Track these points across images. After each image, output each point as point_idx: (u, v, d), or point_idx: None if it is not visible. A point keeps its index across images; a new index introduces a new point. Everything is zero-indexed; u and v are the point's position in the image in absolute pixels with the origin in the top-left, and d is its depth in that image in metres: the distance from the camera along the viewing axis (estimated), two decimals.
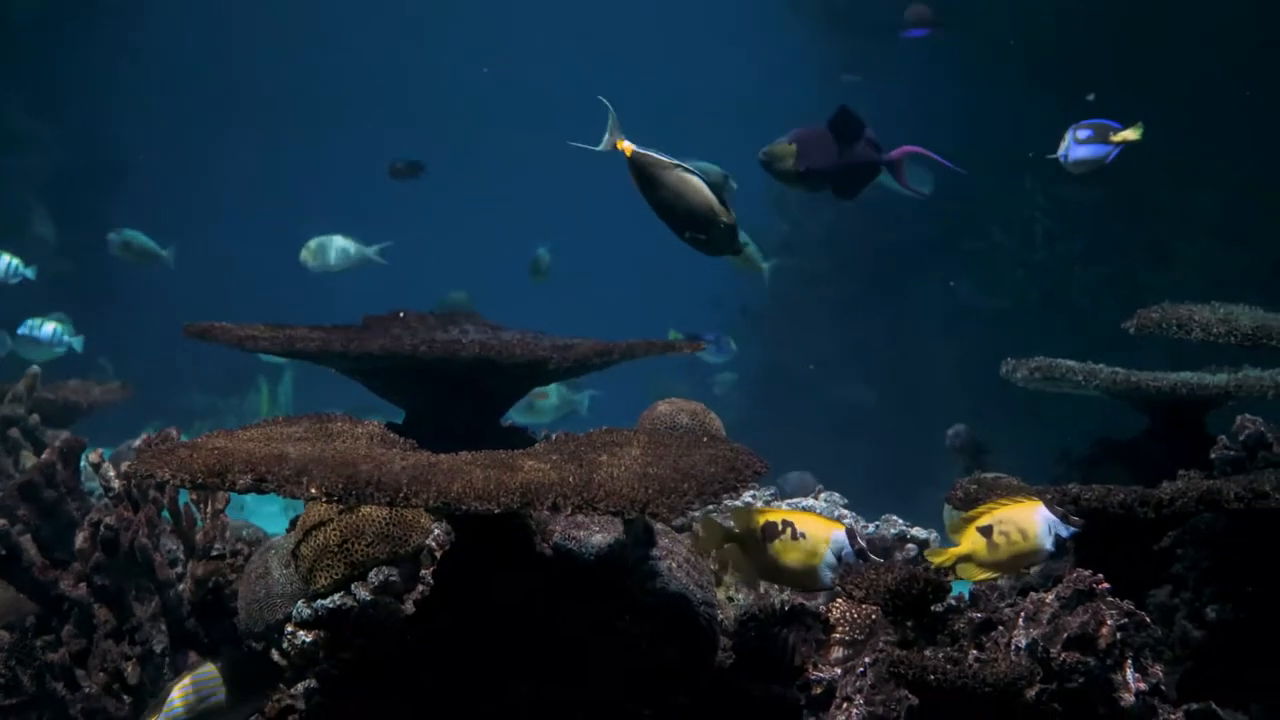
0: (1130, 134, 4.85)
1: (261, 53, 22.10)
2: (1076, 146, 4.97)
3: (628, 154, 3.50)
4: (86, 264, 15.37)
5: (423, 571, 3.49)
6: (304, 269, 8.76)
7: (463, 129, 22.22)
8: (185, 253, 9.57)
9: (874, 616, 3.26)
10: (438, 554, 3.47)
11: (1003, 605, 3.06)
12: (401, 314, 4.75)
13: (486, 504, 2.56)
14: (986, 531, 3.06)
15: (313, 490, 2.60)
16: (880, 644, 3.11)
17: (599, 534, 3.36)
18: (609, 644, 3.12)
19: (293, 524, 4.06)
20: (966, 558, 3.09)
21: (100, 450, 4.41)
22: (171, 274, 9.40)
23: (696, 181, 3.52)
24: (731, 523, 3.23)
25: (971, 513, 3.11)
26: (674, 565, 3.32)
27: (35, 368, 6.06)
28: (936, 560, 3.11)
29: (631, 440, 3.11)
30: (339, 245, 8.70)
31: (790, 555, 3.12)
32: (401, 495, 2.57)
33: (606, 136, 3.49)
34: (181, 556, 4.18)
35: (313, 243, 8.73)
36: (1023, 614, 2.96)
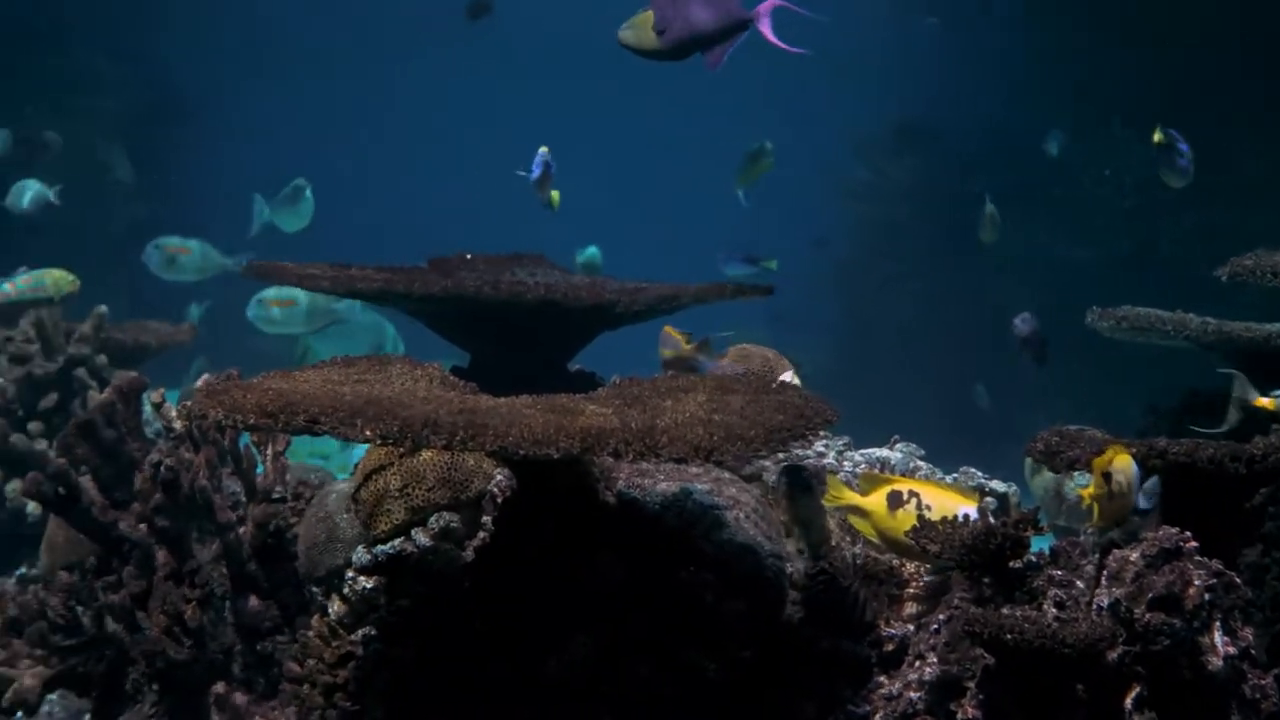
0: None
1: None
2: None
3: None
4: (161, 207, 15.46)
5: (484, 518, 3.41)
6: (378, 213, 8.72)
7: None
8: (256, 195, 9.54)
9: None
10: (499, 500, 3.39)
11: (1084, 563, 2.94)
12: (468, 256, 4.67)
13: (544, 449, 2.47)
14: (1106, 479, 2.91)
15: (367, 433, 2.52)
16: (955, 601, 3.00)
17: (664, 482, 3.27)
18: (673, 595, 3.03)
19: (356, 468, 4.00)
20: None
21: (162, 390, 4.37)
22: (242, 219, 9.40)
23: None
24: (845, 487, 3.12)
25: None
26: (742, 516, 3.22)
27: (102, 307, 6.05)
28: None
29: (697, 386, 3.01)
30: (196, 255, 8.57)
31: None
32: (458, 439, 2.48)
33: None
34: (243, 499, 4.14)
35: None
36: (1105, 572, 2.84)
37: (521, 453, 2.47)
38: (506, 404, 2.77)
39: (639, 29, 4.40)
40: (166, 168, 16.38)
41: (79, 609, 3.95)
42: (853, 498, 3.06)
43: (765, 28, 4.35)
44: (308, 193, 9.49)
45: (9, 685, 3.94)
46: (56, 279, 6.90)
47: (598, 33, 4.75)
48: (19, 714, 4.00)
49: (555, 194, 4.82)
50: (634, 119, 22.27)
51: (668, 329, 4.21)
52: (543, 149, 4.86)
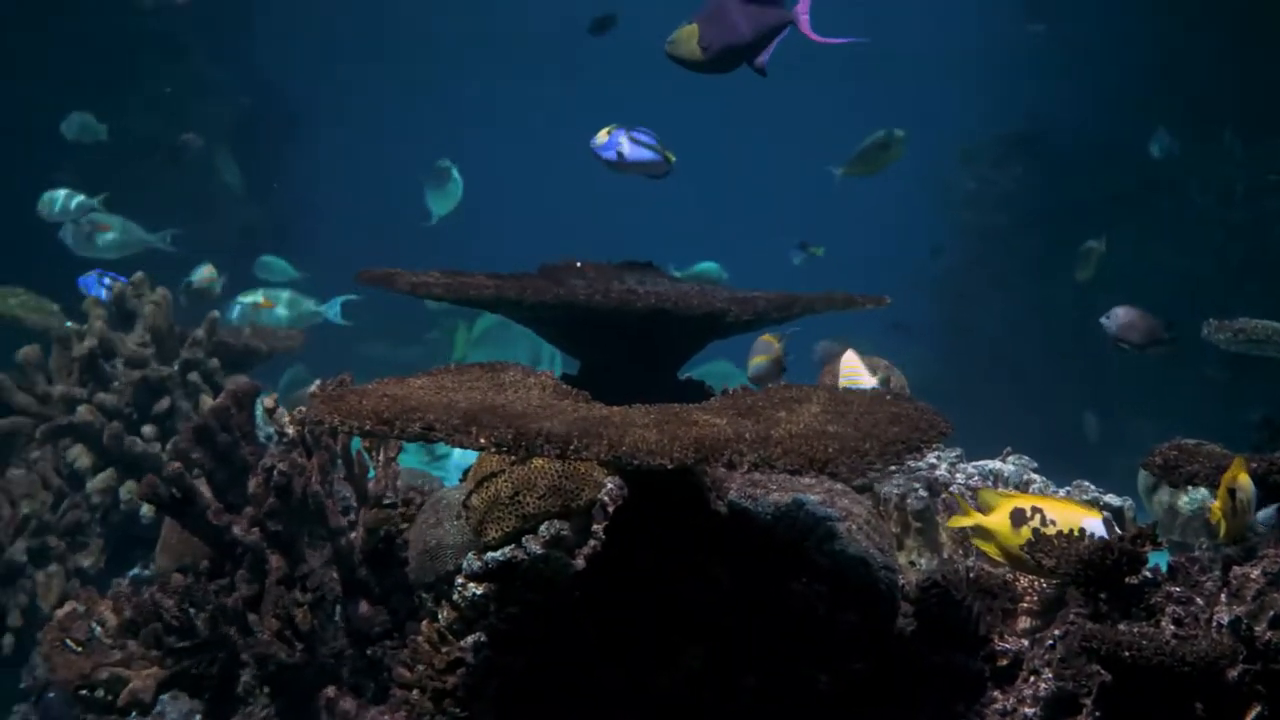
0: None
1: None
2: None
3: None
4: (268, 211, 15.67)
5: (595, 527, 3.42)
6: (476, 217, 8.71)
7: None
8: (359, 200, 9.66)
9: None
10: (610, 509, 3.40)
11: (1203, 579, 2.89)
12: (578, 263, 4.67)
13: (659, 459, 2.46)
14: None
15: (481, 440, 2.52)
16: (1071, 616, 2.96)
17: (776, 492, 3.25)
18: (785, 606, 3.01)
19: (464, 474, 4.02)
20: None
21: (275, 395, 4.42)
22: (346, 222, 9.50)
23: None
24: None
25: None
26: (854, 527, 3.20)
27: (215, 312, 6.14)
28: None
29: (811, 397, 2.99)
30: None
31: None
32: (572, 448, 2.48)
33: None
34: (353, 504, 4.17)
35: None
36: (1225, 589, 2.79)
37: (635, 462, 2.46)
38: (620, 413, 2.76)
39: (683, 43, 4.43)
40: (274, 172, 16.61)
41: (192, 611, 3.99)
42: (978, 518, 3.02)
43: (805, 27, 4.38)
44: (454, 173, 9.54)
45: (124, 685, 3.99)
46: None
47: None
48: (133, 714, 4.06)
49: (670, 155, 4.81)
50: (745, 131, 22.30)
51: (765, 336, 4.20)
52: (601, 135, 4.84)
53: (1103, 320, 5.59)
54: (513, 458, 3.42)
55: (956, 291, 12.53)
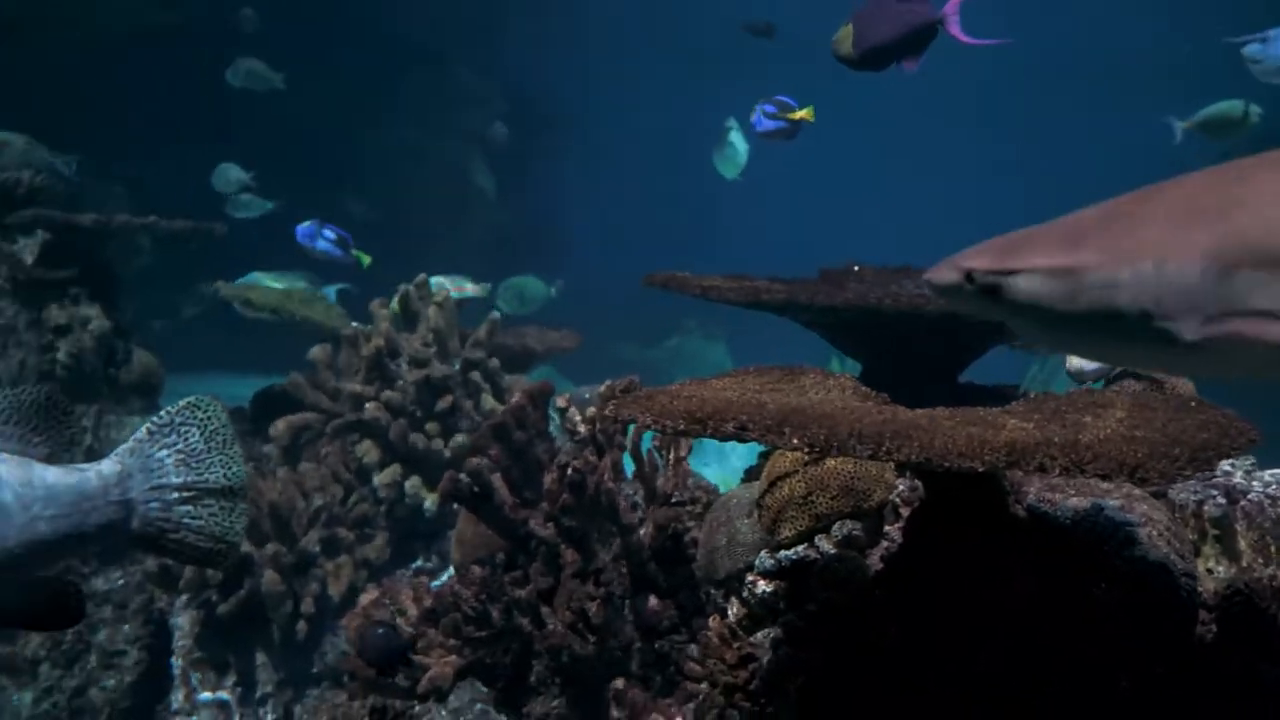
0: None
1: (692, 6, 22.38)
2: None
3: None
4: (518, 215, 15.99)
5: (886, 527, 3.46)
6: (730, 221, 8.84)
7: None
8: (606, 203, 9.84)
9: None
10: (902, 510, 3.43)
11: None
12: (856, 267, 4.71)
13: (970, 462, 2.49)
14: None
15: (794, 440, 2.58)
16: None
17: (1075, 497, 3.25)
18: (1084, 611, 3.01)
19: (747, 474, 4.09)
20: None
21: (567, 395, 4.55)
22: (599, 225, 9.70)
23: None
24: None
25: None
26: (1154, 533, 3.18)
27: (496, 314, 6.32)
28: None
29: (1114, 402, 2.98)
30: None
31: None
32: (884, 449, 2.53)
33: None
34: (640, 502, 4.28)
35: None
36: None
37: (946, 464, 2.49)
38: (925, 415, 2.79)
39: (841, 43, 4.49)
40: (525, 176, 16.94)
41: (489, 602, 4.14)
42: None
43: (955, 27, 4.36)
44: (731, 135, 9.64)
45: (423, 672, 4.16)
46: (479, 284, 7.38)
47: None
48: (430, 699, 4.23)
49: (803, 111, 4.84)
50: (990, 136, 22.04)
51: None
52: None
53: None
54: (805, 459, 3.47)
55: None
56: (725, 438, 2.69)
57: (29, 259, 7.87)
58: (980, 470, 2.51)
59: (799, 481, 3.47)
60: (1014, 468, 2.53)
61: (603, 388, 4.27)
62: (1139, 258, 2.36)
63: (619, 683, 4.02)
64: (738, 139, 9.75)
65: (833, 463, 3.47)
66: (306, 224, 8.95)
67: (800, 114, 5.78)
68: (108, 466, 3.29)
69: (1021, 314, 2.56)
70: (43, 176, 8.28)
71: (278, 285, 9.13)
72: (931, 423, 2.66)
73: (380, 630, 3.95)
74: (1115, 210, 2.48)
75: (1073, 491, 3.26)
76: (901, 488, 3.50)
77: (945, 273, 2.60)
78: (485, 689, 4.48)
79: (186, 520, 3.33)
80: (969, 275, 2.55)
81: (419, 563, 6.17)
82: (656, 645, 4.10)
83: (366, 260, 8.97)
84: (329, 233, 8.90)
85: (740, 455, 11.40)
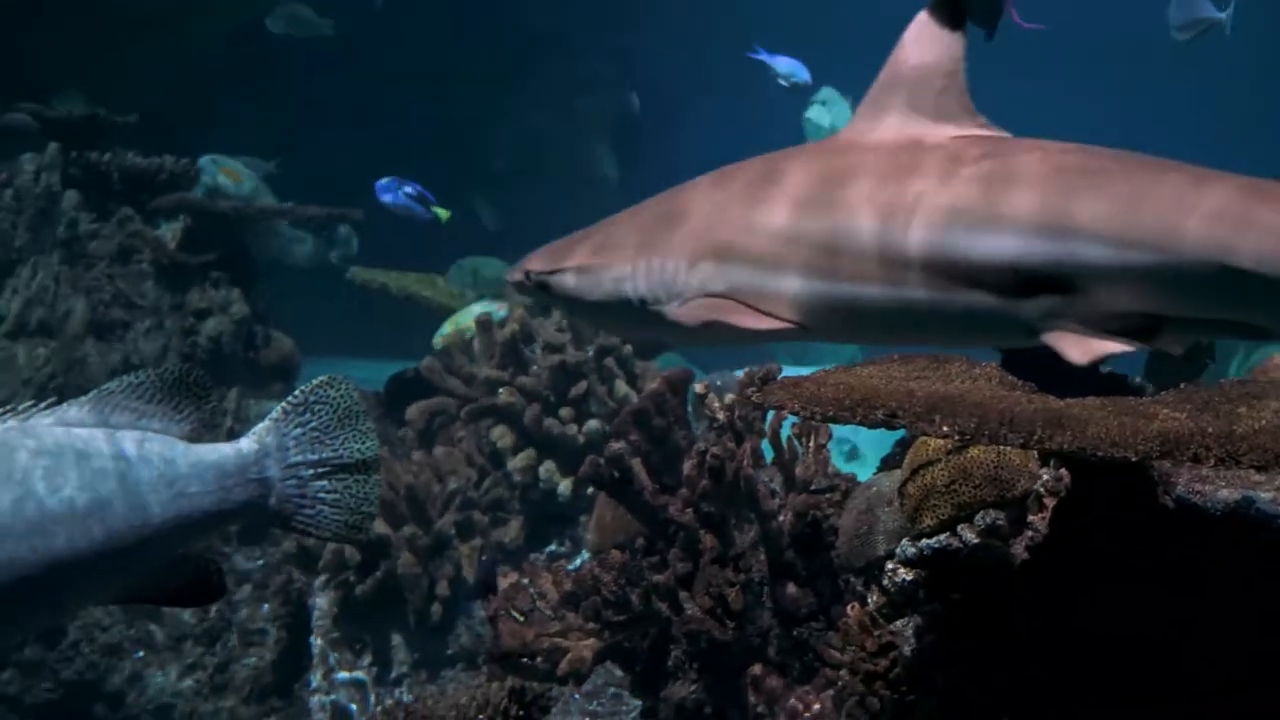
0: None
1: None
2: None
3: None
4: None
5: (1030, 517, 3.43)
6: None
7: None
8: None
9: None
10: (1046, 500, 3.40)
11: None
12: None
13: (1123, 451, 2.47)
14: None
15: (944, 428, 2.58)
16: None
17: (1225, 489, 3.20)
18: (1238, 601, 2.97)
19: (883, 463, 4.08)
20: None
21: (705, 382, 4.57)
22: None
23: None
24: None
25: None
26: None
27: None
28: None
29: (1269, 393, 2.93)
30: None
31: None
32: (1036, 438, 2.51)
33: None
34: (778, 488, 4.28)
35: None
36: None
37: (1099, 454, 2.47)
38: (1076, 404, 2.76)
39: None
40: (648, 163, 16.98)
41: (628, 587, 4.16)
42: None
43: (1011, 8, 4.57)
44: (814, 111, 9.66)
45: (563, 655, 4.20)
46: None
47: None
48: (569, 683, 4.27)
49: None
50: None
51: None
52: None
53: None
54: (948, 447, 3.46)
55: None
56: (874, 425, 2.69)
57: (171, 243, 8.04)
58: (1134, 460, 2.49)
59: (942, 470, 3.46)
60: (1167, 458, 2.50)
61: (742, 375, 4.28)
62: (637, 257, 3.17)
63: (756, 669, 4.03)
64: (818, 114, 9.79)
65: (976, 451, 3.45)
66: (386, 180, 9.06)
67: None
68: (246, 444, 3.38)
69: (564, 303, 3.39)
70: (185, 162, 8.45)
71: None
72: (1083, 411, 2.64)
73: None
74: (622, 221, 3.31)
75: (1223, 483, 3.21)
76: (1046, 477, 3.46)
77: (515, 273, 3.46)
78: (618, 674, 4.52)
79: (322, 495, 3.40)
80: (528, 274, 3.39)
81: (552, 547, 6.23)
82: (795, 632, 4.10)
83: (445, 215, 9.06)
84: (409, 188, 9.00)
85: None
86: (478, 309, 7.82)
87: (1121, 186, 2.93)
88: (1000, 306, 3.00)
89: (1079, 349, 2.99)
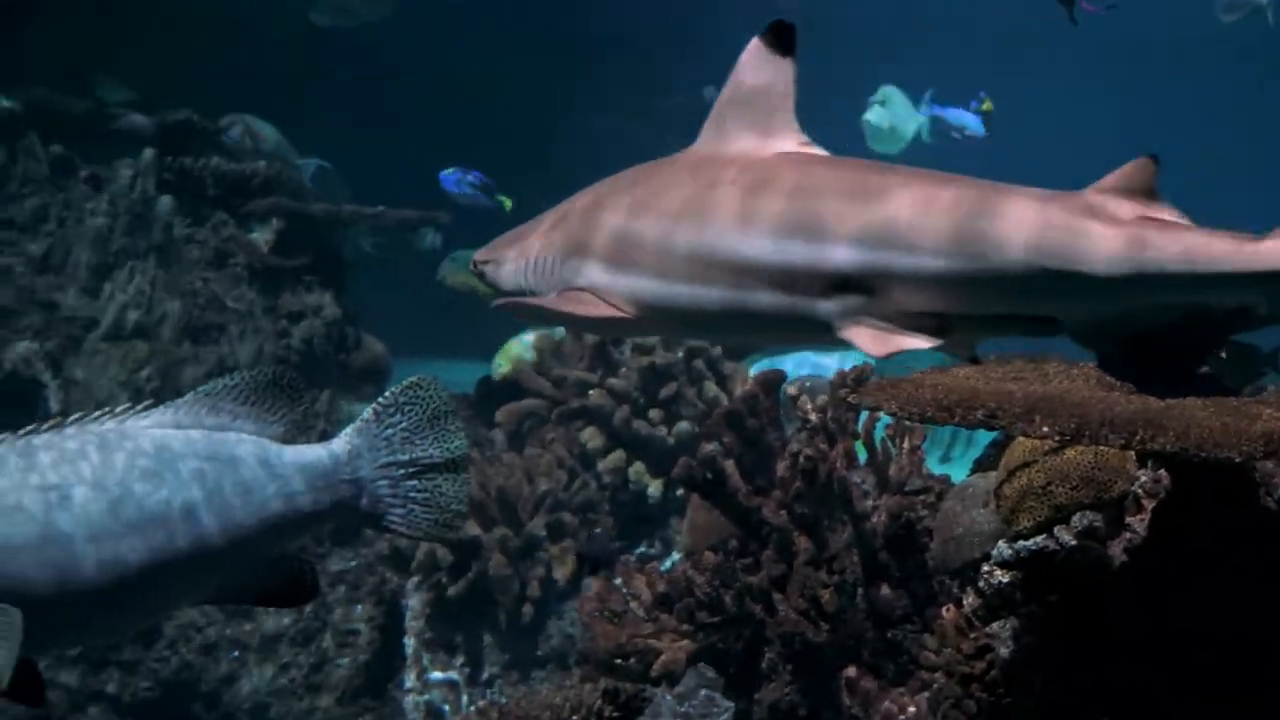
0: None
1: None
2: None
3: None
4: None
5: (1128, 519, 3.40)
6: None
7: None
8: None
9: None
10: (1145, 502, 3.37)
11: None
12: None
13: (1226, 451, 2.45)
14: None
15: (1044, 428, 2.57)
16: None
17: None
18: None
19: (976, 465, 4.06)
20: None
21: (798, 383, 4.57)
22: None
23: None
24: None
25: None
26: None
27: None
28: None
29: None
30: None
31: None
32: (1137, 438, 2.50)
33: None
34: (872, 490, 4.27)
35: None
36: None
37: (1202, 454, 2.46)
38: (1177, 404, 2.75)
39: None
40: None
41: (721, 589, 4.17)
42: None
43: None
44: (873, 114, 9.67)
45: (656, 656, 4.21)
46: None
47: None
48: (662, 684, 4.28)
49: None
50: None
51: None
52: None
53: None
54: (1045, 448, 3.44)
55: None
56: (973, 425, 2.69)
57: (265, 247, 8.14)
58: (1238, 460, 2.47)
59: (1038, 471, 3.44)
60: (1271, 458, 2.48)
61: (834, 376, 4.28)
62: (527, 254, 3.53)
63: (851, 671, 4.02)
64: (878, 115, 9.79)
65: (1073, 453, 3.42)
66: (450, 170, 9.12)
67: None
68: (338, 446, 3.42)
69: (495, 290, 3.69)
70: (278, 167, 8.55)
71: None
72: (1185, 412, 2.63)
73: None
74: (543, 218, 3.62)
75: None
76: (1144, 478, 3.44)
77: (473, 263, 3.79)
78: (711, 675, 4.52)
79: (413, 494, 3.44)
80: (474, 263, 3.76)
81: (642, 548, 6.25)
82: (889, 634, 4.09)
83: (509, 204, 9.12)
84: (473, 178, 9.06)
85: None
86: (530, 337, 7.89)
87: (902, 198, 3.05)
88: (799, 305, 3.10)
89: (876, 343, 3.03)
